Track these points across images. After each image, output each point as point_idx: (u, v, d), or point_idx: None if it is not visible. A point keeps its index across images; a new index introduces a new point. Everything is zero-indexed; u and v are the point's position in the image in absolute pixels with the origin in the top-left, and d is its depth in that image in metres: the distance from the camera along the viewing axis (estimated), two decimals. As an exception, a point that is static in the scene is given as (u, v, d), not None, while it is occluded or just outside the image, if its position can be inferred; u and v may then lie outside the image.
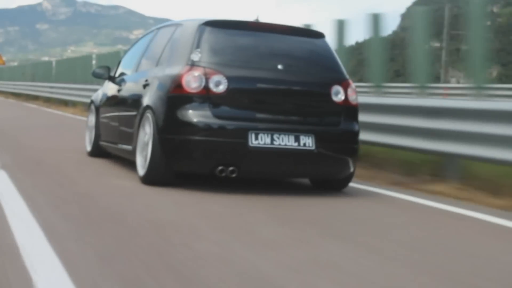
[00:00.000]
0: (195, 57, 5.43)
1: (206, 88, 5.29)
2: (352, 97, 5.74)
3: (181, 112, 5.30)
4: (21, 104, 24.07)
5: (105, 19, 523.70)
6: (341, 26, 9.09)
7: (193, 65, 5.39)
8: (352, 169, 5.72)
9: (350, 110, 5.72)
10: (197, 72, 5.32)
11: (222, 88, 5.31)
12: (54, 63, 29.53)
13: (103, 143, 7.23)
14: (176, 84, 5.39)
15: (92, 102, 7.87)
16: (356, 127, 5.73)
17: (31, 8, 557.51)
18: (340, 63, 5.90)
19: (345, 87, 5.70)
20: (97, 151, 7.44)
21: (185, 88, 5.31)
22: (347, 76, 5.85)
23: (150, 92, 5.74)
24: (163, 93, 5.53)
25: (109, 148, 7.08)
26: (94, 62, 23.02)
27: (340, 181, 5.86)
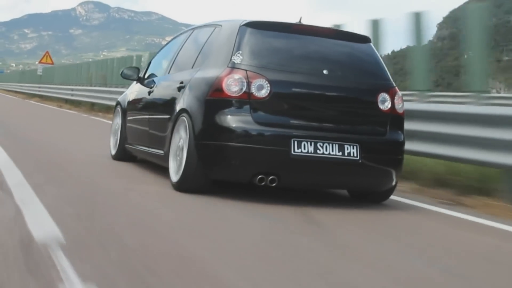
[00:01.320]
0: (237, 59, 5.15)
1: (248, 92, 5.01)
2: (399, 106, 5.43)
3: (219, 116, 5.03)
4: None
5: (138, 25, 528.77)
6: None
7: (234, 67, 5.10)
8: (394, 182, 5.41)
9: (396, 119, 5.41)
10: (238, 75, 5.04)
11: (264, 92, 5.02)
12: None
13: (129, 146, 6.98)
14: (215, 88, 5.11)
15: (118, 104, 7.59)
16: (402, 137, 5.42)
17: (65, 13, 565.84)
18: (386, 70, 5.59)
19: (392, 94, 5.39)
20: (122, 155, 7.19)
21: (225, 91, 5.04)
22: (394, 84, 5.54)
23: (186, 95, 5.47)
24: (201, 96, 5.26)
25: (136, 152, 6.82)
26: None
27: (381, 193, 5.55)
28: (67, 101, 25.74)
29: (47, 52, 33.10)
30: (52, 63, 33.22)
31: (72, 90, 25.60)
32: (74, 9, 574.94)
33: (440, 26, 68.56)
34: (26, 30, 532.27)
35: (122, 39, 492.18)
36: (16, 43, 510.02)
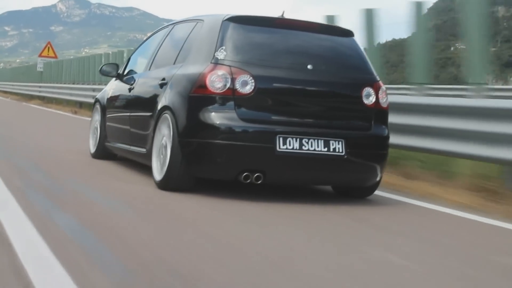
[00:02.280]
0: (220, 55, 5.05)
1: (232, 88, 4.92)
2: (383, 100, 5.37)
3: (203, 113, 4.93)
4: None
5: (119, 21, 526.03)
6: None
7: (217, 63, 5.00)
8: (379, 177, 5.36)
9: (380, 113, 5.36)
10: (222, 71, 4.95)
11: (248, 88, 4.93)
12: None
13: (109, 144, 6.86)
14: (199, 84, 5.02)
15: (97, 101, 7.44)
16: (387, 132, 5.36)
17: (46, 10, 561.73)
18: (370, 64, 5.53)
19: (376, 89, 5.33)
20: (102, 153, 7.08)
21: (209, 88, 4.94)
22: (378, 78, 5.48)
23: (168, 92, 5.36)
24: (184, 93, 5.16)
25: (117, 150, 6.71)
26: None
27: (366, 188, 5.49)
28: (82, 104, 20.30)
29: (48, 43, 27.91)
30: (56, 57, 28.07)
31: (94, 90, 18.43)
32: (54, 6, 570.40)
33: (424, 17, 68.72)
34: (6, 28, 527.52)
35: (103, 36, 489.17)
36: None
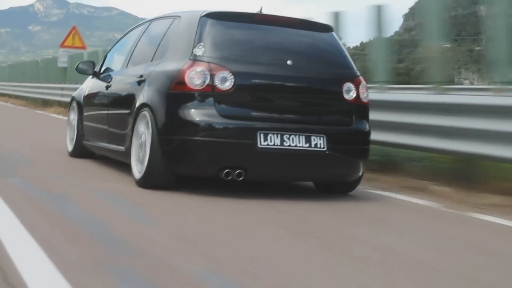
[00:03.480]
0: (198, 51, 4.99)
1: (211, 85, 4.86)
2: (364, 95, 5.35)
3: (183, 110, 4.87)
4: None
5: (98, 21, 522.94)
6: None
7: (195, 60, 4.94)
8: (361, 172, 5.34)
9: (361, 108, 5.34)
10: (200, 68, 4.89)
11: (228, 85, 4.88)
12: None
13: (87, 143, 6.77)
14: (177, 81, 4.95)
15: (73, 99, 7.36)
16: (368, 127, 5.35)
17: (23, 10, 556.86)
18: (350, 59, 5.50)
19: (357, 84, 5.31)
20: (80, 152, 6.98)
21: (187, 84, 4.87)
22: (358, 73, 5.46)
23: (146, 89, 5.29)
24: (163, 90, 5.09)
25: (95, 149, 6.61)
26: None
27: (348, 184, 5.47)
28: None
29: (73, 28, 19.55)
30: (84, 48, 20.04)
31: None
32: (32, 5, 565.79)
33: (406, 17, 68.97)
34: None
35: (82, 35, 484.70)
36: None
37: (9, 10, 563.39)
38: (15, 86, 28.98)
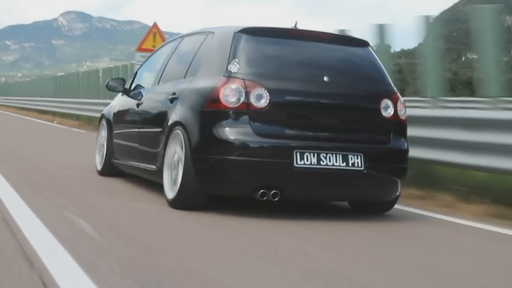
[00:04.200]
0: (233, 68, 4.87)
1: (246, 102, 4.73)
2: (402, 112, 5.19)
3: (217, 129, 4.74)
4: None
5: (120, 34, 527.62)
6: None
7: (230, 76, 4.81)
8: (399, 191, 5.17)
9: (399, 126, 5.18)
10: (235, 85, 4.76)
11: (263, 102, 4.74)
12: None
13: (117, 161, 6.66)
14: (212, 98, 4.83)
15: (103, 116, 7.24)
16: (406, 145, 5.18)
17: (47, 24, 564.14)
18: (387, 75, 5.35)
19: (395, 101, 5.16)
20: (109, 170, 6.86)
21: (222, 102, 4.75)
22: (396, 89, 5.30)
23: (179, 107, 5.18)
24: (196, 108, 4.97)
25: (124, 167, 6.50)
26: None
27: (385, 204, 5.30)
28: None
29: (154, 25, 14.83)
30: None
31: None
32: (55, 20, 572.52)
33: (435, 28, 68.44)
34: (7, 42, 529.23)
35: (105, 49, 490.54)
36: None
37: (33, 24, 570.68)
38: (61, 102, 25.00)
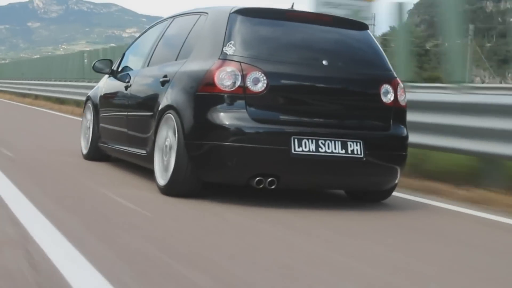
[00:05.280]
0: (229, 50, 4.66)
1: (242, 86, 4.54)
2: (402, 97, 5.04)
3: (212, 114, 4.55)
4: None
5: (97, 17, 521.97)
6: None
7: (226, 59, 4.62)
8: (398, 179, 5.03)
9: (399, 112, 5.03)
10: (231, 68, 4.57)
11: (260, 86, 4.55)
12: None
13: (103, 145, 6.44)
14: (206, 82, 4.62)
15: (89, 99, 6.99)
16: (406, 132, 5.04)
17: (22, 6, 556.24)
18: (386, 59, 5.19)
19: (395, 86, 5.00)
20: (95, 154, 6.64)
21: (217, 86, 4.55)
22: (395, 74, 5.14)
23: (171, 90, 4.97)
24: (190, 91, 4.76)
25: (112, 152, 6.29)
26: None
27: (383, 192, 5.16)
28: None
29: None
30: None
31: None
32: (31, 2, 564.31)
33: (411, 12, 68.51)
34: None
35: (81, 32, 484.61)
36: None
37: (8, 6, 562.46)
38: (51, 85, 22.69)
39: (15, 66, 38.86)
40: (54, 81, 23.39)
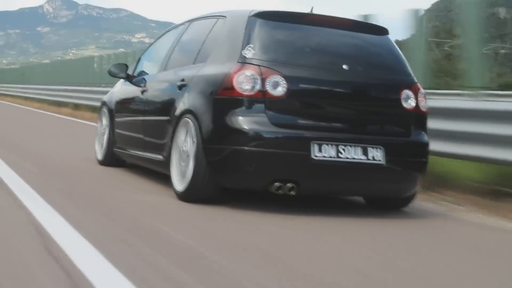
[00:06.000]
0: (248, 53, 4.60)
1: (262, 90, 4.47)
2: (422, 103, 4.95)
3: (230, 118, 4.48)
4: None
5: (107, 22, 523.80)
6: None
7: (245, 62, 4.55)
8: (417, 187, 4.94)
9: (420, 118, 4.94)
10: (250, 71, 4.50)
11: (280, 90, 4.49)
12: None
13: (119, 150, 6.38)
14: (225, 85, 4.56)
15: (104, 104, 6.95)
16: (426, 138, 4.95)
17: (32, 11, 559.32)
18: (407, 64, 5.11)
19: (415, 91, 4.92)
20: (110, 160, 6.57)
21: (236, 89, 4.49)
22: (416, 79, 5.06)
23: (189, 94, 4.91)
24: (208, 95, 4.70)
25: (127, 157, 6.23)
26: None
27: (403, 199, 5.07)
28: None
29: None
30: None
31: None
32: (41, 7, 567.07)
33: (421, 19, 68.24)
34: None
35: (91, 37, 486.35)
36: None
37: (19, 11, 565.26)
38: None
39: (44, 70, 35.46)
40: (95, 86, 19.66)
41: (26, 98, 27.37)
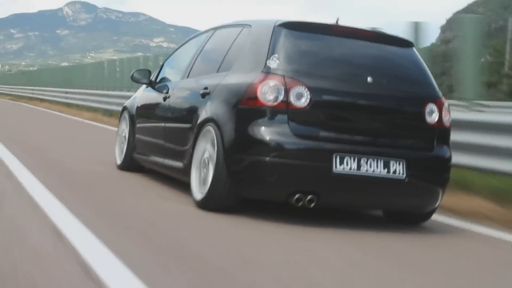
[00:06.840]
0: (272, 63, 4.59)
1: (285, 101, 4.45)
2: (446, 118, 4.91)
3: (253, 128, 4.46)
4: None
5: (125, 26, 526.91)
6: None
7: (269, 72, 4.54)
8: (439, 202, 4.89)
9: (443, 133, 4.89)
10: (274, 82, 4.49)
11: (304, 101, 4.47)
12: None
13: (139, 156, 6.38)
14: (249, 95, 4.55)
15: (125, 109, 6.96)
16: (449, 153, 4.90)
17: (52, 13, 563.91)
18: (432, 77, 5.06)
19: (440, 106, 4.86)
20: (130, 165, 6.57)
21: (260, 99, 4.47)
22: (441, 93, 5.01)
23: (212, 103, 4.90)
24: (231, 104, 4.69)
25: (147, 163, 6.22)
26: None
27: (423, 214, 5.01)
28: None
29: None
30: None
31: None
32: (61, 9, 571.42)
33: (444, 28, 67.70)
34: (12, 30, 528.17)
35: (109, 40, 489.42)
36: (1, 44, 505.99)
37: (38, 13, 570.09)
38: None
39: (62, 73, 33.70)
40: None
41: (68, 105, 22.57)
